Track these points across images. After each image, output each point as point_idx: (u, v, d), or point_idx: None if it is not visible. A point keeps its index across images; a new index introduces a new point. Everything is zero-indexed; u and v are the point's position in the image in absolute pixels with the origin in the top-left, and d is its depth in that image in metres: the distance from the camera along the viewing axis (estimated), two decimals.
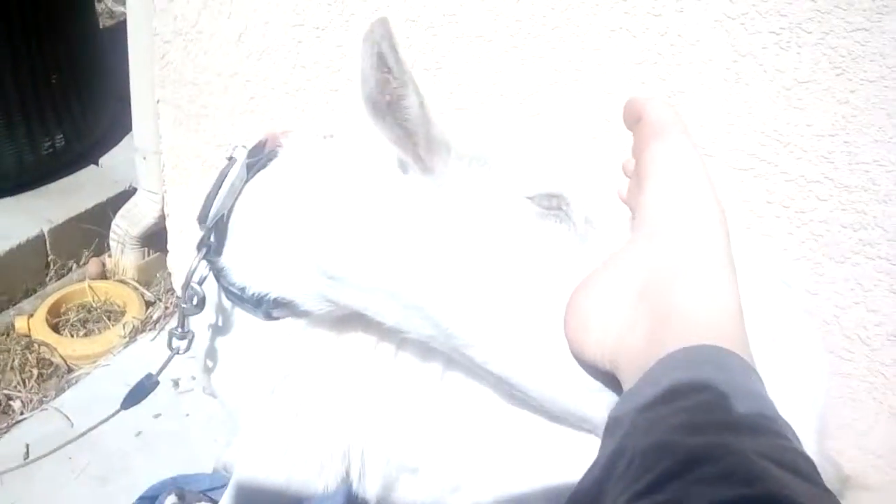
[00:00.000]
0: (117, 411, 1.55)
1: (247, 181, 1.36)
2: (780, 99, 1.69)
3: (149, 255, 3.20)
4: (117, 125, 3.52)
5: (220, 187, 1.38)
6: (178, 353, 1.48)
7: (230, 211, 1.37)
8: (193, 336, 1.47)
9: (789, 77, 1.67)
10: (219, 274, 1.39)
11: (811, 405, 1.26)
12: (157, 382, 1.53)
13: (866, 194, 1.71)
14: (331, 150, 1.31)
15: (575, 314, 0.99)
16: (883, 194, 1.70)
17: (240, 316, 1.45)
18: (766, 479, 0.65)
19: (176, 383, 2.72)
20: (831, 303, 1.85)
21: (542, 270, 1.08)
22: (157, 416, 2.61)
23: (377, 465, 1.47)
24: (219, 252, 1.39)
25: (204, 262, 1.39)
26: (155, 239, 3.13)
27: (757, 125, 1.74)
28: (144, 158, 2.86)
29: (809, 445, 1.20)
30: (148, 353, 2.78)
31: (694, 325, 0.83)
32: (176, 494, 2.23)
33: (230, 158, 1.40)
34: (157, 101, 2.66)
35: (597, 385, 1.00)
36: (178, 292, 1.38)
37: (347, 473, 1.51)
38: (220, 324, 1.49)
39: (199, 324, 1.52)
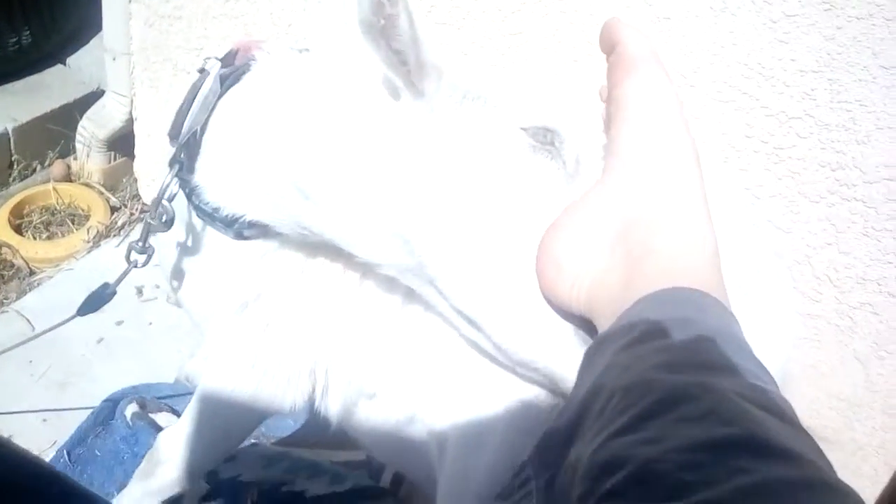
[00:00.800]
0: (72, 317, 1.52)
1: (220, 96, 1.31)
2: (766, 31, 1.66)
3: (115, 159, 3.15)
4: (87, 24, 3.41)
5: (192, 102, 1.32)
6: (135, 267, 1.44)
7: (203, 127, 1.31)
8: (153, 251, 1.43)
9: (777, 9, 1.64)
10: (191, 193, 1.34)
11: (776, 352, 1.25)
12: (114, 293, 1.50)
13: (846, 134, 1.69)
14: (309, 66, 1.26)
15: (548, 255, 0.97)
16: (863, 135, 1.68)
17: (209, 234, 1.42)
18: (747, 420, 0.64)
19: (139, 291, 2.70)
20: (804, 242, 1.84)
21: (527, 206, 1.05)
22: (119, 323, 2.59)
23: (339, 386, 1.46)
24: (191, 169, 1.34)
25: (175, 180, 1.35)
26: (122, 143, 3.07)
27: (741, 57, 1.71)
28: (114, 59, 2.80)
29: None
30: (111, 258, 2.75)
31: (672, 268, 0.82)
32: (137, 402, 2.22)
33: (202, 70, 1.34)
34: (129, 1, 2.59)
35: (564, 331, 0.99)
36: (147, 203, 1.34)
37: (313, 391, 1.50)
38: (189, 243, 1.45)
39: (167, 239, 1.49)
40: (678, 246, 0.85)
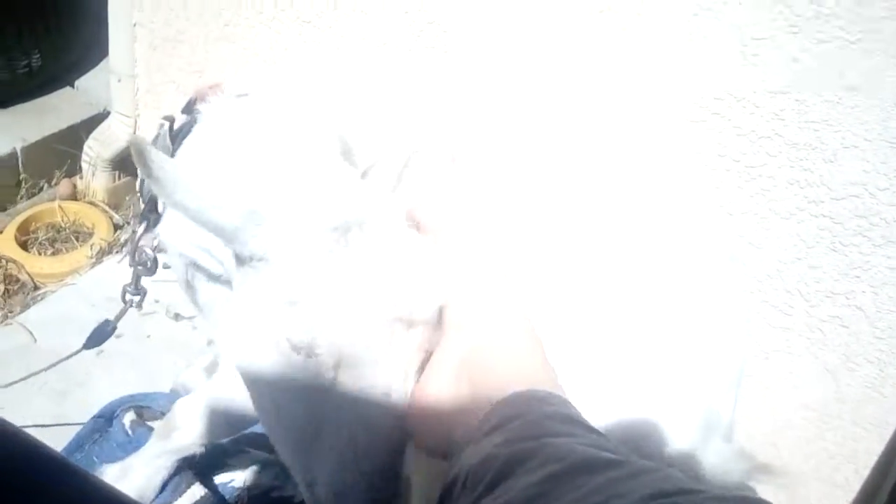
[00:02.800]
0: (78, 351, 1.62)
1: (174, 152, 1.34)
2: (737, 55, 1.73)
3: (119, 178, 3.23)
4: (94, 47, 3.50)
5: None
6: (131, 307, 1.53)
7: None
8: (145, 293, 1.50)
9: (746, 33, 1.71)
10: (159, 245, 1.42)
11: (730, 355, 1.29)
12: (115, 328, 1.61)
13: (814, 152, 1.76)
14: (245, 111, 1.30)
15: (420, 420, 1.03)
16: (830, 153, 1.75)
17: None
18: (578, 452, 0.74)
19: (139, 305, 2.76)
20: (775, 257, 1.91)
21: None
22: (118, 336, 2.65)
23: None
24: (157, 223, 1.39)
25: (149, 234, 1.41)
26: (126, 162, 3.15)
27: (712, 79, 1.78)
28: (119, 81, 2.88)
29: (727, 399, 1.25)
30: (114, 274, 2.81)
31: (506, 380, 0.92)
32: (134, 411, 2.29)
33: (159, 132, 1.39)
34: (134, 24, 2.68)
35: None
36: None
37: None
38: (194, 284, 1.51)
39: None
40: (509, 362, 0.96)
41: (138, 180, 1.42)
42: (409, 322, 1.05)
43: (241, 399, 1.60)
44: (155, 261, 1.45)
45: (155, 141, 1.38)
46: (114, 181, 3.22)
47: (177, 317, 2.76)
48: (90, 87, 3.49)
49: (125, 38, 2.73)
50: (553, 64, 1.94)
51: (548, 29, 1.91)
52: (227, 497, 1.99)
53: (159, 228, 1.39)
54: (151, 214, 1.39)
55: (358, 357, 1.01)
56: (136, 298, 1.52)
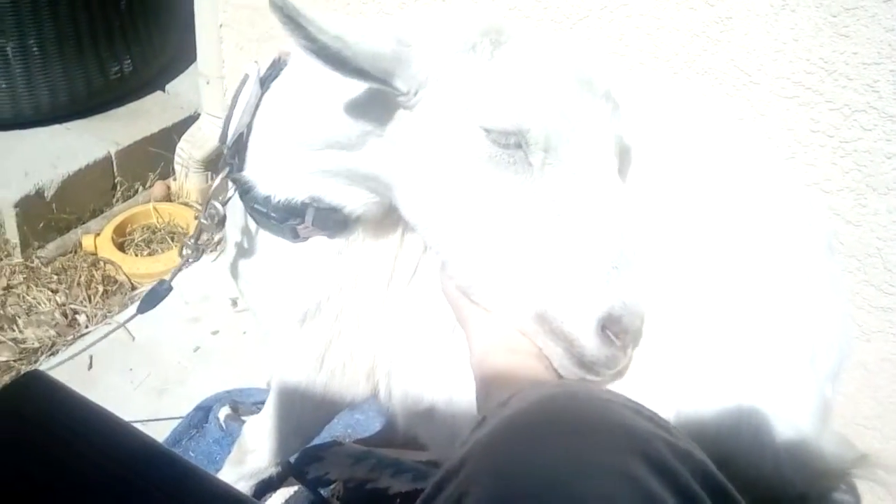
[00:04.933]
0: (133, 316, 1.60)
1: (261, 96, 1.37)
2: (827, 26, 1.68)
3: (212, 178, 3.28)
4: (184, 52, 3.58)
5: (234, 106, 1.39)
6: (188, 262, 1.54)
7: (249, 127, 1.38)
8: (204, 250, 1.51)
9: (836, 4, 1.66)
10: (245, 192, 1.41)
11: (827, 353, 1.25)
12: (171, 288, 1.57)
13: None
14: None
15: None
16: None
17: (266, 240, 1.49)
18: None
19: (234, 302, 2.80)
20: (874, 235, 1.84)
21: (489, 213, 1.11)
22: (215, 332, 2.70)
23: (399, 393, 1.52)
24: (241, 168, 1.41)
25: (228, 182, 1.42)
26: (218, 163, 3.18)
27: (802, 52, 1.73)
28: (208, 83, 2.93)
29: (814, 393, 1.21)
30: (207, 272, 2.85)
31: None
32: (229, 406, 2.32)
33: (245, 76, 1.40)
34: (220, 26, 2.72)
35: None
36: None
37: (376, 390, 1.57)
38: (245, 245, 1.53)
39: (228, 241, 1.59)
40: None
41: (223, 122, 1.42)
42: (593, 91, 1.12)
43: (308, 408, 1.62)
44: (223, 217, 1.47)
45: (243, 83, 1.39)
46: (206, 182, 3.27)
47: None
48: (181, 91, 3.56)
49: (212, 40, 2.77)
50: (636, 48, 1.91)
51: (629, 10, 1.88)
52: (322, 491, 2.00)
53: (247, 172, 1.39)
54: (234, 160, 1.40)
55: (561, 132, 1.08)
56: (194, 255, 1.53)
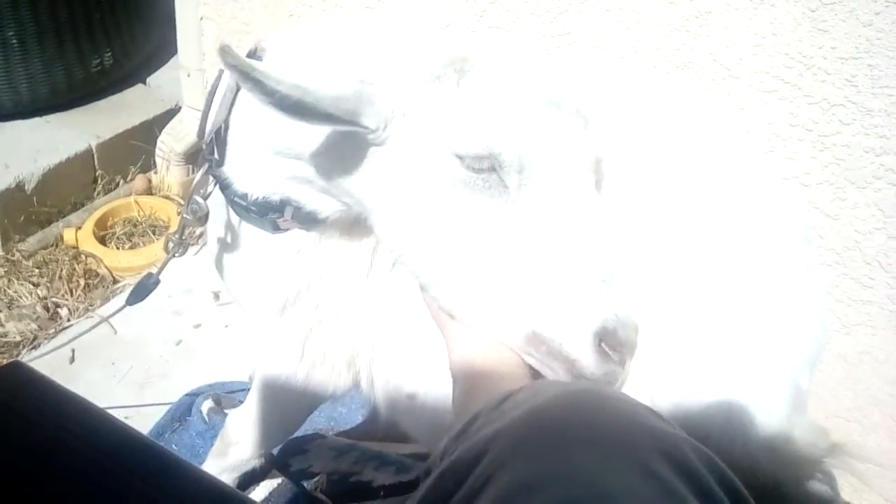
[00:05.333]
0: (122, 308, 1.62)
1: (237, 91, 1.34)
2: (805, 20, 1.69)
3: (193, 171, 3.26)
4: (165, 45, 3.57)
5: (211, 101, 1.38)
6: (173, 257, 1.55)
7: (226, 122, 1.37)
8: (189, 244, 1.52)
9: None
10: (224, 186, 1.41)
11: (807, 332, 1.26)
12: (158, 282, 1.59)
13: (889, 119, 1.72)
14: (314, 44, 1.30)
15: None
16: None
17: (249, 232, 1.49)
18: None
19: (217, 296, 2.80)
20: (852, 228, 1.86)
21: (470, 238, 1.11)
22: (197, 326, 2.70)
23: (380, 381, 1.53)
24: (221, 164, 1.40)
25: (208, 177, 1.43)
26: (199, 156, 3.18)
27: (781, 47, 1.74)
28: (189, 75, 2.92)
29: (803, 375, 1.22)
30: (190, 266, 2.85)
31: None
32: (212, 399, 2.32)
33: (220, 71, 1.39)
34: (201, 19, 2.71)
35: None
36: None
37: (358, 379, 1.58)
38: (228, 240, 1.53)
39: (210, 235, 1.59)
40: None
41: (200, 118, 1.41)
42: (560, 108, 1.11)
43: (291, 399, 1.62)
44: (206, 213, 1.47)
45: (219, 78, 1.39)
46: (187, 175, 3.26)
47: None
48: (162, 83, 3.55)
49: (193, 32, 2.76)
50: (616, 42, 1.92)
51: (609, 3, 1.89)
52: (305, 483, 2.01)
53: (226, 168, 1.39)
54: (213, 156, 1.40)
55: (533, 151, 1.07)
56: (179, 250, 1.54)
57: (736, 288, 1.18)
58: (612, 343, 1.05)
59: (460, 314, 1.15)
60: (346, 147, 1.16)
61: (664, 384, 1.13)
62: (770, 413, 1.13)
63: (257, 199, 1.37)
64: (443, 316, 1.19)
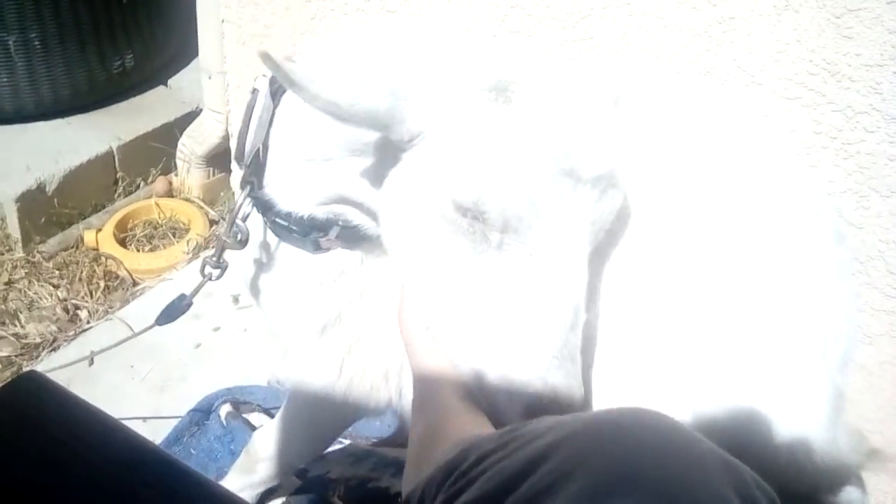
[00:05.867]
0: (150, 326, 1.60)
1: (274, 110, 1.35)
2: (830, 27, 1.67)
3: (213, 174, 3.28)
4: (186, 47, 3.58)
5: (249, 122, 1.39)
6: (209, 280, 1.52)
7: (265, 143, 1.37)
8: (227, 266, 1.50)
9: (840, 4, 1.64)
10: (266, 208, 1.40)
11: (831, 340, 1.25)
12: (191, 304, 1.57)
13: None
14: (347, 50, 1.31)
15: None
16: None
17: (286, 252, 1.49)
18: None
19: (236, 299, 2.80)
20: (876, 237, 1.83)
21: (446, 269, 1.12)
22: (216, 329, 2.70)
23: (409, 392, 1.53)
24: (261, 186, 1.40)
25: (248, 200, 1.42)
26: (219, 158, 3.20)
27: (805, 53, 1.72)
28: (210, 78, 2.92)
29: (827, 384, 1.20)
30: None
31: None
32: (231, 404, 2.32)
33: (254, 91, 1.40)
34: (222, 21, 2.71)
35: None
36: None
37: (393, 394, 1.57)
38: (264, 260, 1.53)
39: (246, 256, 1.57)
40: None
41: (237, 139, 1.42)
42: (577, 178, 1.06)
43: (326, 416, 1.62)
44: (248, 236, 1.46)
45: (255, 99, 1.39)
46: (208, 177, 3.27)
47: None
48: (183, 86, 3.56)
49: (214, 35, 2.76)
50: (638, 47, 1.91)
51: (642, 7, 1.87)
52: (323, 489, 2.00)
53: (267, 190, 1.39)
54: (253, 179, 1.39)
55: (524, 218, 1.04)
56: (216, 273, 1.51)
57: (769, 291, 1.17)
58: (540, 414, 1.04)
59: (433, 329, 1.16)
60: (382, 149, 1.18)
61: (702, 394, 1.11)
62: (814, 419, 1.12)
63: (302, 217, 1.37)
64: (414, 325, 1.20)
